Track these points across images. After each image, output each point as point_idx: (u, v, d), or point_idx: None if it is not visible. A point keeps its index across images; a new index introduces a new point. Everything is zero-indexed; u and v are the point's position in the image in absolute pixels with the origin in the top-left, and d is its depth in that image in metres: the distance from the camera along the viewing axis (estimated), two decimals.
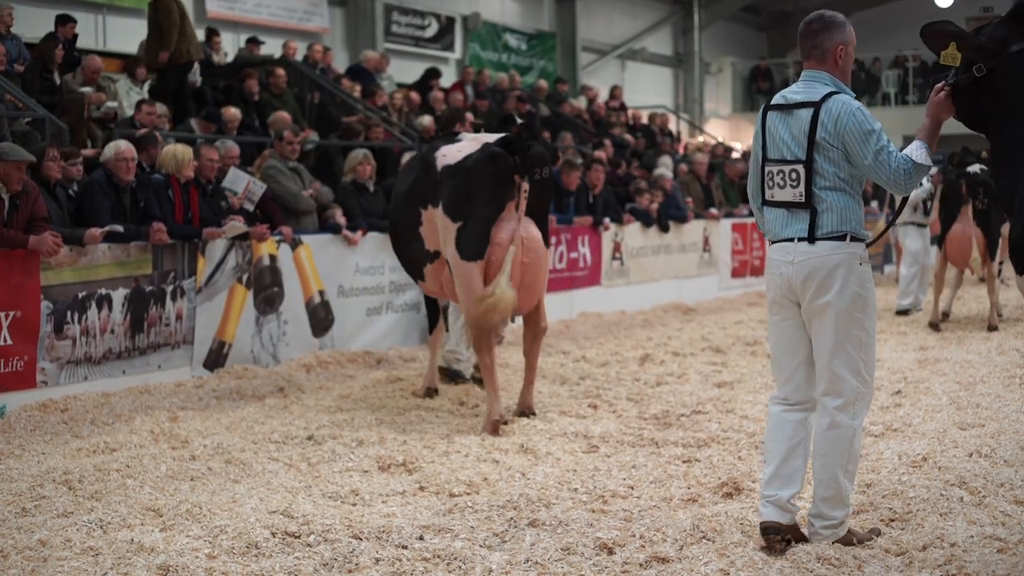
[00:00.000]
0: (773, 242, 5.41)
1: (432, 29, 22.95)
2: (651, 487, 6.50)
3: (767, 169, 5.38)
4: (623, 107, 22.93)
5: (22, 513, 6.04)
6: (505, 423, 8.21)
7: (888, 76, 31.23)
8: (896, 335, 12.74)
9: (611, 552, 5.36)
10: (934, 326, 13.20)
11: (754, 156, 5.53)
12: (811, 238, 5.23)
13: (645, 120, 22.87)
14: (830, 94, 5.23)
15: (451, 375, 10.01)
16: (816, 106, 5.21)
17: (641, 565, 5.17)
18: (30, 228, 8.62)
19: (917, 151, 5.12)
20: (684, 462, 7.10)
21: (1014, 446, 7.08)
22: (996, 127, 4.93)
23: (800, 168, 5.24)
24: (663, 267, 16.33)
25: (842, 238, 5.21)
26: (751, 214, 5.62)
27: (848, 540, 5.37)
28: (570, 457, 7.27)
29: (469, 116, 10.51)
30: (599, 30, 27.74)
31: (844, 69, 5.35)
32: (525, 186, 8.18)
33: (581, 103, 21.98)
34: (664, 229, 16.15)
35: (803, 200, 5.24)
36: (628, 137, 20.31)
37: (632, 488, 6.49)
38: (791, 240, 5.29)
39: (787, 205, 5.30)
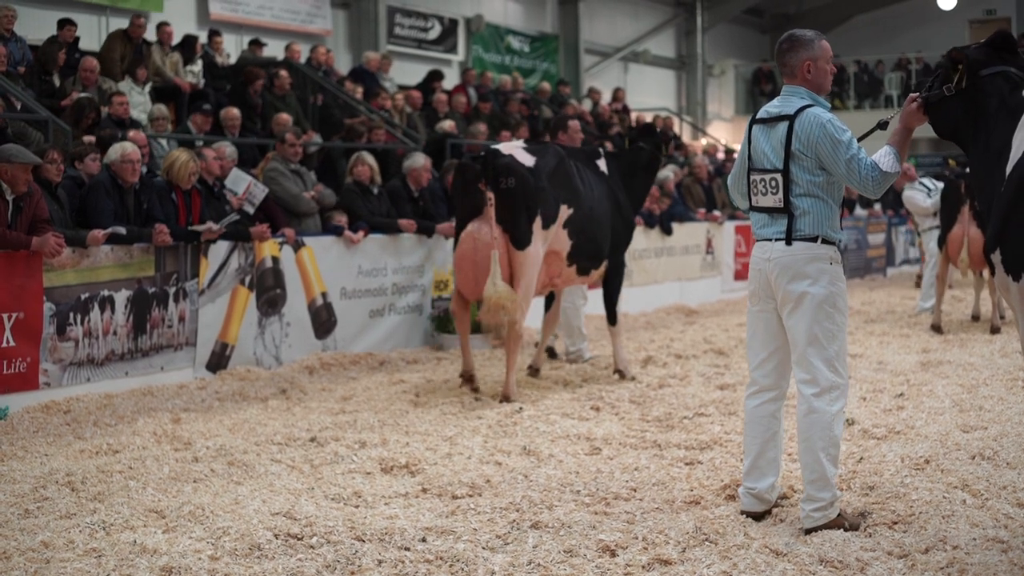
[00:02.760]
0: (757, 241, 5.89)
1: (435, 31, 22.96)
2: (653, 489, 6.50)
3: (752, 177, 5.86)
4: (626, 109, 22.93)
5: (25, 515, 6.04)
6: (510, 400, 9.19)
7: (891, 78, 31.23)
8: (899, 337, 12.74)
9: (613, 554, 5.36)
10: (937, 328, 13.19)
11: (741, 157, 6.04)
12: (788, 240, 5.68)
13: (643, 127, 22.83)
14: (804, 108, 5.67)
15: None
16: (791, 119, 5.67)
17: (644, 567, 5.17)
18: (33, 229, 8.63)
19: (884, 158, 5.54)
20: (687, 464, 7.10)
21: (1017, 449, 7.08)
22: (972, 141, 5.24)
23: (778, 177, 5.70)
24: (666, 269, 16.33)
25: (814, 240, 5.66)
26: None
27: (839, 524, 5.65)
28: (573, 459, 7.27)
29: (574, 124, 11.33)
30: (602, 32, 27.74)
31: (816, 83, 5.78)
32: (489, 194, 9.18)
33: (586, 105, 21.98)
34: (667, 232, 16.15)
35: (782, 206, 5.70)
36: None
37: (634, 490, 6.48)
38: (769, 240, 5.76)
39: (769, 210, 5.77)
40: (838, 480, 6.47)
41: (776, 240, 5.71)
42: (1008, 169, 4.89)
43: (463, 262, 9.43)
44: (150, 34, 15.15)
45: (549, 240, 9.52)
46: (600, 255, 10.15)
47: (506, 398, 9.25)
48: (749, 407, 5.96)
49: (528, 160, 9.41)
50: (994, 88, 5.15)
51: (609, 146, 11.73)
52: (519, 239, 9.29)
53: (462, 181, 9.49)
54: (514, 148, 9.58)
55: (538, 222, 9.33)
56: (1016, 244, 4.86)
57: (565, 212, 9.62)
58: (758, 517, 5.90)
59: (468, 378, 9.67)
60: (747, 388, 6.03)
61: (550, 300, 10.85)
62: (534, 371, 10.49)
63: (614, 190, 10.31)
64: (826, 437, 5.64)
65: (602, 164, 10.38)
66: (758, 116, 5.88)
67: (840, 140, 5.55)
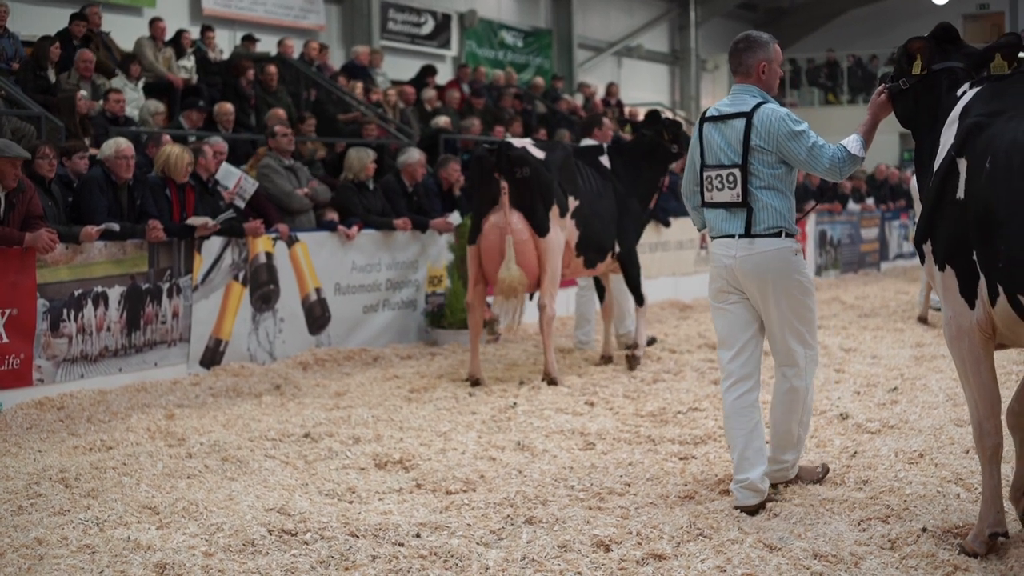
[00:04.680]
0: (715, 238, 6.08)
1: (428, 26, 22.93)
2: (648, 484, 6.50)
3: (705, 174, 6.06)
4: (619, 104, 22.91)
5: (18, 511, 6.04)
6: (554, 382, 9.66)
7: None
8: (893, 332, 12.76)
9: (608, 549, 5.36)
10: (923, 320, 13.33)
11: (690, 161, 6.23)
12: (749, 234, 5.91)
13: (641, 117, 22.82)
14: (759, 104, 5.93)
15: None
16: (748, 116, 5.90)
17: (638, 562, 5.17)
18: (26, 226, 8.61)
19: (853, 143, 5.79)
20: (681, 459, 7.10)
21: (1009, 442, 7.07)
22: (922, 132, 5.43)
23: (736, 171, 5.91)
24: (660, 264, 16.31)
25: (778, 234, 5.91)
26: None
27: (791, 481, 6.25)
28: (567, 454, 7.27)
29: (608, 122, 12.12)
30: (595, 27, 27.73)
31: (768, 83, 6.05)
32: (503, 183, 9.62)
33: (578, 100, 21.97)
34: (665, 224, 16.15)
35: (740, 200, 5.91)
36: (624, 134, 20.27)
37: (629, 485, 6.49)
38: (732, 236, 5.96)
39: (726, 205, 5.97)
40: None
41: (739, 237, 5.92)
42: (935, 165, 5.15)
43: (492, 252, 9.82)
44: (143, 30, 15.12)
45: (567, 229, 10.00)
46: (604, 248, 10.50)
47: (548, 376, 9.72)
48: (728, 400, 6.08)
49: (539, 153, 9.91)
50: (939, 84, 5.36)
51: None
52: (539, 226, 9.77)
53: (479, 172, 9.94)
54: (525, 143, 10.03)
55: (555, 211, 9.85)
56: (941, 237, 5.11)
57: (572, 204, 10.09)
58: (753, 511, 5.88)
59: (475, 383, 9.74)
60: (723, 382, 6.14)
61: (601, 290, 11.28)
62: (606, 359, 10.93)
63: (614, 184, 10.64)
64: (801, 408, 6.14)
65: (604, 160, 10.75)
66: (708, 115, 6.10)
67: (799, 131, 5.81)
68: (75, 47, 12.99)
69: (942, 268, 5.13)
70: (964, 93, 5.19)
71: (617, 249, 10.64)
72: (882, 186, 23.70)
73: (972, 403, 5.25)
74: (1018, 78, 5.11)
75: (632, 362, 10.49)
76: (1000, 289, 4.85)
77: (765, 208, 5.89)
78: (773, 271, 5.89)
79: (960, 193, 4.95)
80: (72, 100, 11.20)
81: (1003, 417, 5.31)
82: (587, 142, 11.66)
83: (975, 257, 4.93)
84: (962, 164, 4.96)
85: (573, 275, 10.66)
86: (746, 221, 5.90)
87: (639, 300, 10.94)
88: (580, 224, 10.15)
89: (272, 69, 14.84)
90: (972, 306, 5.05)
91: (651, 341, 11.66)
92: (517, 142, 9.99)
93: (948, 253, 5.07)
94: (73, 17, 13.57)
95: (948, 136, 5.11)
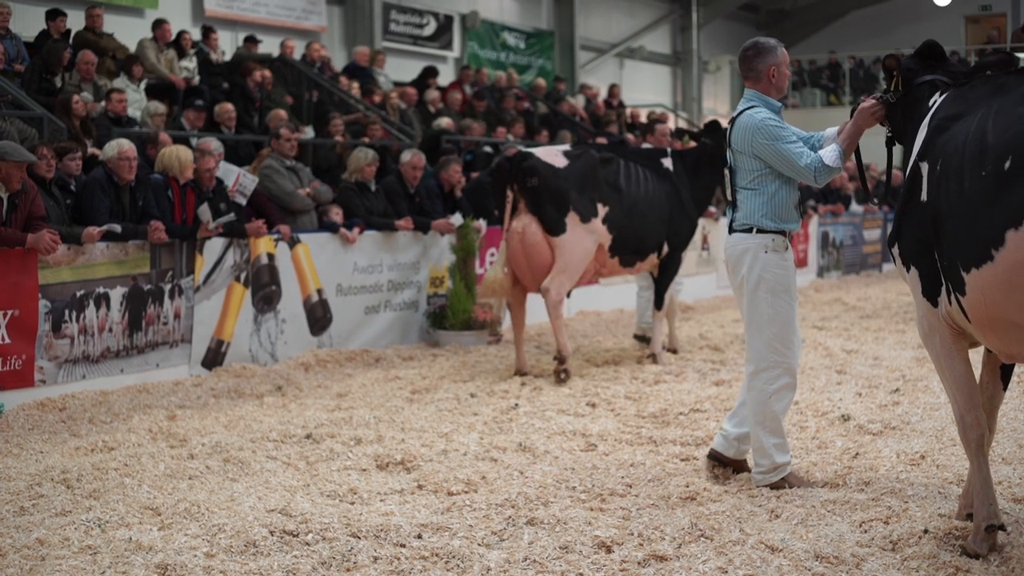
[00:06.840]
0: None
1: (430, 28, 22.94)
2: (649, 485, 6.50)
3: (725, 172, 6.46)
4: (621, 106, 22.91)
5: (20, 512, 6.04)
6: (564, 376, 9.95)
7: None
8: (895, 333, 12.75)
9: (609, 550, 5.36)
10: None
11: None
12: (730, 230, 6.31)
13: (644, 119, 22.84)
14: (744, 110, 6.25)
15: (643, 340, 12.04)
16: (732, 121, 6.30)
17: (639, 563, 5.17)
18: (28, 227, 8.62)
19: (830, 153, 6.06)
20: (682, 460, 7.10)
21: (1012, 444, 7.09)
22: (907, 143, 5.59)
23: (727, 172, 6.36)
24: None
25: (749, 230, 6.24)
26: None
27: (780, 486, 6.28)
28: (568, 455, 7.27)
29: (663, 127, 12.72)
30: (597, 28, 27.73)
31: (779, 85, 6.36)
32: (510, 193, 10.18)
33: (580, 102, 21.97)
34: None
35: (731, 200, 6.34)
36: (629, 136, 20.28)
37: (630, 486, 6.49)
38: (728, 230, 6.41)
39: (729, 203, 6.40)
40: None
41: (730, 232, 6.34)
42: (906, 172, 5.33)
43: (514, 254, 10.30)
44: (145, 31, 15.14)
45: (597, 233, 10.31)
46: (645, 249, 10.81)
47: (560, 355, 10.01)
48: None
49: (559, 162, 10.28)
50: (921, 96, 5.55)
51: (670, 142, 12.33)
52: (551, 227, 10.17)
53: (495, 181, 10.52)
54: (552, 152, 10.48)
55: (573, 216, 10.17)
56: (907, 238, 5.25)
57: (602, 209, 10.37)
58: (719, 459, 6.56)
59: (523, 375, 10.23)
60: None
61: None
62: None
63: (678, 187, 10.96)
64: (762, 412, 6.25)
65: (667, 162, 11.06)
66: (732, 117, 6.44)
67: (776, 136, 6.09)
68: (54, 43, 12.91)
69: (908, 269, 5.27)
70: (935, 101, 5.35)
71: (665, 250, 10.95)
72: (883, 186, 23.70)
73: (952, 398, 5.35)
74: (981, 81, 5.18)
75: (654, 359, 10.99)
76: (950, 287, 4.98)
77: (743, 206, 6.25)
78: (741, 264, 6.22)
79: (923, 195, 5.09)
80: (68, 102, 11.21)
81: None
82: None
83: (937, 257, 5.06)
84: (924, 167, 5.10)
85: (611, 274, 11.01)
86: (731, 218, 6.33)
87: (659, 304, 11.18)
88: (613, 228, 10.43)
89: (267, 74, 14.81)
90: (935, 304, 5.15)
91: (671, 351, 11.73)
92: (543, 150, 10.50)
93: (913, 253, 5.22)
94: (50, 14, 13.49)
95: (918, 142, 5.27)
